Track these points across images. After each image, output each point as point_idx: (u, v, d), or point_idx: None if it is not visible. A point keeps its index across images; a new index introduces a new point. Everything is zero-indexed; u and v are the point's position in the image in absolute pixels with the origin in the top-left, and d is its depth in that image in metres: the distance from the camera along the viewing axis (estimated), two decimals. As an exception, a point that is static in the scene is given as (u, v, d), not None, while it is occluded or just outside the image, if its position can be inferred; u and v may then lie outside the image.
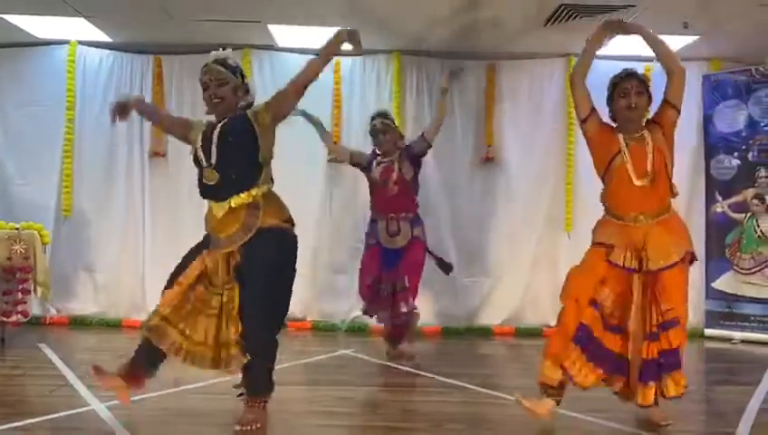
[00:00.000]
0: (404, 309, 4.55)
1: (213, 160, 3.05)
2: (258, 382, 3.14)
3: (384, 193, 4.62)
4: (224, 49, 3.21)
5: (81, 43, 5.90)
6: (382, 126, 4.64)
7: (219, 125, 3.11)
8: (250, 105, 3.22)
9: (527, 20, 5.11)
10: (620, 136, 3.17)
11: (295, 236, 3.21)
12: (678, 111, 3.20)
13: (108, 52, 5.97)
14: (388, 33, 5.57)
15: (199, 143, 3.12)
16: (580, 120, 3.29)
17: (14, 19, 5.32)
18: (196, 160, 3.13)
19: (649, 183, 3.09)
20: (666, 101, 3.20)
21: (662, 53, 3.20)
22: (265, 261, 3.02)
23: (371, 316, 4.92)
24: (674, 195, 3.24)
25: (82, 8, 5.09)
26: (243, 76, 3.21)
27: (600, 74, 6.19)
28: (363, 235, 4.89)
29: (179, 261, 3.19)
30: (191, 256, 3.15)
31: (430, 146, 4.76)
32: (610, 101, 3.27)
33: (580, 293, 3.16)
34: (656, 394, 3.07)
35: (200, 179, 3.12)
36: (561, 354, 3.11)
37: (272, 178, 3.25)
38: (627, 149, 3.12)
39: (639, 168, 3.10)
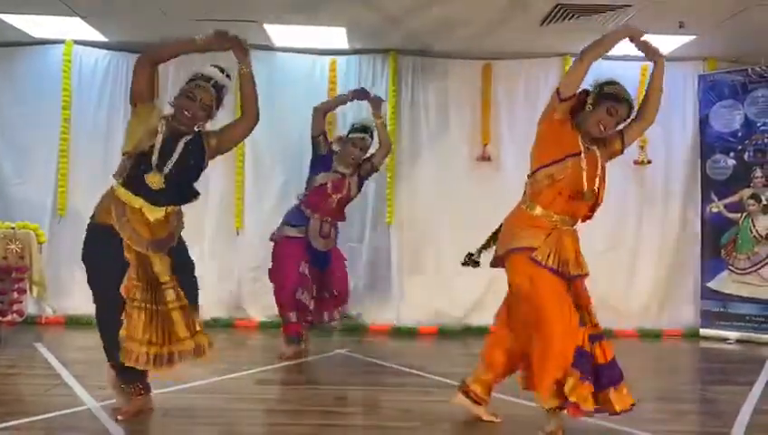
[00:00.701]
0: (336, 317, 4.82)
1: (165, 170, 3.05)
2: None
3: (325, 199, 4.64)
4: (228, 76, 3.23)
5: (76, 42, 5.90)
6: (365, 144, 4.69)
7: (183, 142, 3.13)
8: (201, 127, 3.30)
9: (523, 20, 5.12)
10: (580, 139, 3.03)
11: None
12: (622, 152, 3.16)
13: (104, 51, 5.96)
14: (383, 32, 5.57)
15: (159, 145, 3.07)
16: (560, 97, 3.01)
17: (9, 18, 5.31)
18: (145, 158, 3.06)
19: (588, 198, 3.01)
20: (621, 136, 3.11)
21: (655, 96, 3.10)
22: (188, 258, 3.29)
23: (295, 321, 4.62)
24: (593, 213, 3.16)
25: (78, 8, 5.08)
26: (219, 107, 3.26)
27: (598, 74, 6.21)
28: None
29: (103, 277, 3.17)
30: (115, 268, 3.10)
31: (376, 170, 4.89)
32: (590, 100, 3.02)
33: (566, 318, 2.93)
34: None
35: (137, 175, 3.06)
36: (560, 381, 2.91)
37: (198, 194, 3.36)
38: (584, 156, 2.99)
39: (590, 178, 2.99)
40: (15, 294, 4.80)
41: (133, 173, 3.08)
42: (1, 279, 4.74)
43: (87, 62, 5.96)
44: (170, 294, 3.10)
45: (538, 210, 3.06)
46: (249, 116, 3.28)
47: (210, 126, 3.29)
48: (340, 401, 3.69)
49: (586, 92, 3.06)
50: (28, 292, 4.92)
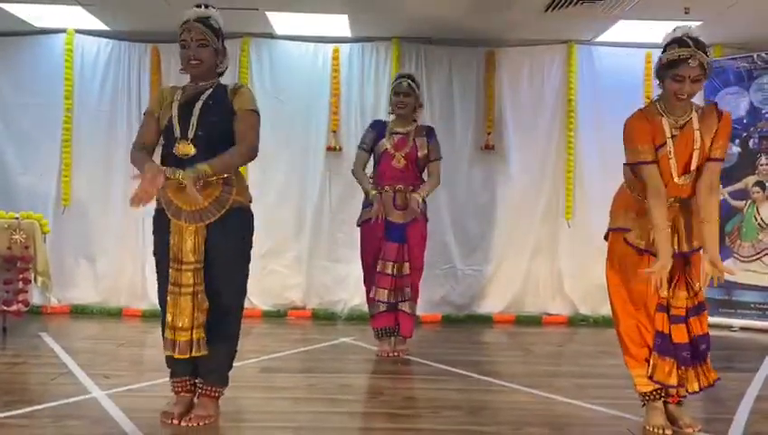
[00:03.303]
0: (409, 294, 4.36)
1: (191, 134, 2.86)
2: (224, 369, 3.04)
3: (389, 161, 4.38)
4: (206, 7, 2.99)
5: (78, 31, 5.88)
6: (408, 88, 4.41)
7: (203, 96, 2.92)
8: (224, 71, 3.08)
9: (527, 6, 5.08)
10: (666, 123, 2.88)
11: (253, 215, 3.12)
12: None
13: (105, 40, 5.94)
14: (386, 19, 5.54)
15: (175, 111, 2.91)
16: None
17: (10, 8, 5.29)
18: (169, 131, 2.91)
19: (689, 181, 2.91)
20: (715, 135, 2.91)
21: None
22: (238, 242, 2.98)
23: (375, 301, 4.40)
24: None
25: (80, -4, 5.07)
26: (223, 39, 3.01)
27: (604, 61, 6.18)
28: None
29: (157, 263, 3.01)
30: (164, 250, 2.92)
31: (439, 158, 4.52)
32: (660, 72, 2.88)
33: (646, 301, 2.97)
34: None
35: (168, 152, 2.91)
36: (644, 365, 2.97)
37: None
38: (672, 141, 2.86)
39: (681, 162, 2.87)
40: (20, 284, 4.81)
41: (165, 151, 2.94)
42: (6, 269, 4.75)
43: (89, 52, 5.94)
44: (186, 278, 2.84)
45: (633, 191, 3.01)
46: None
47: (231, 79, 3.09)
48: (344, 389, 3.69)
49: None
50: (33, 282, 4.94)
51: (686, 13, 4.97)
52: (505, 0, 5.01)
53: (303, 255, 5.95)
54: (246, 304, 5.71)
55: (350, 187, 5.82)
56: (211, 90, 2.95)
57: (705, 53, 2.80)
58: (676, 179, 2.88)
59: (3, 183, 5.82)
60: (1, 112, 5.91)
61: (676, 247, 2.94)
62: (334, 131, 5.91)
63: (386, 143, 4.40)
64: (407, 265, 4.35)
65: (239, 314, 3.08)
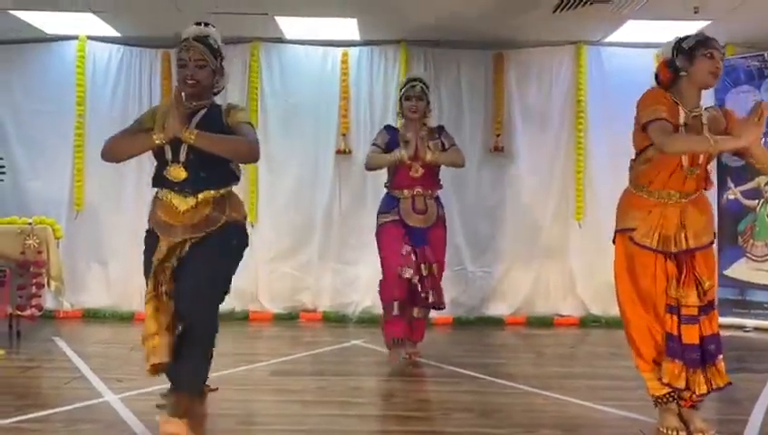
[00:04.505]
0: (431, 299, 4.19)
1: (182, 157, 2.82)
2: (201, 371, 2.92)
3: (407, 170, 4.24)
4: (206, 25, 2.93)
5: (90, 38, 5.93)
6: (421, 92, 4.29)
7: (195, 118, 2.85)
8: (220, 91, 3.03)
9: (535, 8, 5.07)
10: (681, 110, 2.89)
11: (247, 234, 3.06)
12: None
13: (117, 47, 5.99)
14: (395, 23, 5.55)
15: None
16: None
17: (24, 15, 5.34)
18: (160, 154, 2.87)
19: (694, 174, 2.92)
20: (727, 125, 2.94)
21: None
22: (223, 247, 2.88)
23: (402, 310, 4.16)
24: (708, 185, 3.04)
25: (91, 3, 5.10)
26: (222, 58, 2.96)
27: (613, 61, 6.16)
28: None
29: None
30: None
31: (455, 145, 4.41)
32: (684, 59, 2.91)
33: (655, 301, 2.95)
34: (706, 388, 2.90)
35: (160, 174, 2.90)
36: (654, 368, 2.96)
37: (238, 177, 3.04)
38: (684, 129, 2.87)
39: (693, 156, 2.88)
40: (34, 289, 4.84)
41: (157, 172, 2.93)
42: (19, 274, 4.79)
43: (100, 58, 5.99)
44: (152, 281, 2.81)
45: (639, 189, 3.00)
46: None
47: (225, 99, 3.01)
48: (355, 392, 3.70)
49: (669, 64, 2.96)
50: (46, 286, 4.97)
51: (695, 12, 4.94)
52: (513, 2, 5.01)
53: (314, 257, 5.96)
54: (257, 308, 5.91)
55: (360, 188, 5.86)
56: (205, 111, 2.90)
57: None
58: (684, 166, 2.88)
59: (16, 188, 5.87)
60: (14, 118, 5.96)
61: (684, 244, 2.92)
62: (344, 135, 5.92)
63: (402, 153, 4.21)
64: (430, 266, 4.20)
65: (212, 316, 2.91)
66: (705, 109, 2.98)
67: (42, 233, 4.88)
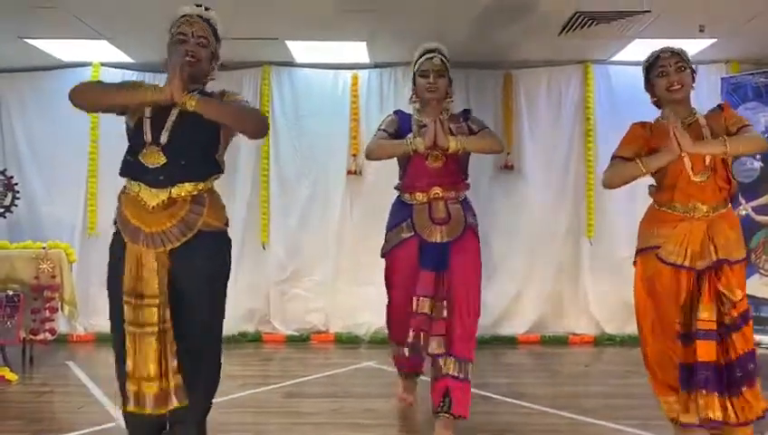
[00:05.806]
0: (437, 350, 3.15)
1: (163, 140, 2.50)
2: (197, 418, 2.59)
3: (422, 161, 3.25)
4: (206, 9, 2.70)
5: (103, 64, 6.03)
6: (442, 65, 3.32)
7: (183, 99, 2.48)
8: (209, 81, 2.76)
9: (543, 29, 5.11)
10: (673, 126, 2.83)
11: (230, 241, 2.71)
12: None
13: (130, 72, 6.07)
14: (404, 45, 5.60)
15: (149, 114, 2.57)
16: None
17: (39, 44, 5.44)
18: (137, 134, 2.57)
19: (707, 178, 2.85)
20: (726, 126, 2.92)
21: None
22: (210, 272, 2.53)
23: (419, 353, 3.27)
24: (732, 189, 2.93)
25: (104, 30, 5.19)
26: (220, 44, 2.75)
27: (621, 79, 6.17)
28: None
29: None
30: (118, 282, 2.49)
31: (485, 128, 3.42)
32: (648, 84, 3.03)
33: (671, 325, 2.87)
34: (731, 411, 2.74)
35: (133, 157, 2.57)
36: (670, 392, 2.90)
37: (221, 169, 2.68)
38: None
39: (695, 158, 2.82)
40: (47, 313, 4.86)
41: (129, 157, 2.57)
42: (33, 298, 4.82)
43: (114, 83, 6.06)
44: (149, 315, 2.42)
45: (663, 205, 2.95)
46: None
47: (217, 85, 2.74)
48: (369, 413, 3.69)
49: (646, 89, 3.08)
50: (59, 310, 5.00)
51: (701, 31, 4.96)
52: (521, 26, 5.04)
53: (326, 278, 5.97)
54: (269, 329, 5.91)
55: (371, 209, 5.85)
56: (197, 94, 2.57)
57: (678, 54, 2.95)
58: (693, 177, 2.85)
59: (31, 213, 5.93)
60: (29, 144, 6.04)
61: (713, 256, 2.82)
62: (354, 155, 5.96)
63: (416, 141, 3.19)
64: (448, 304, 3.13)
65: (214, 363, 2.61)
66: (704, 114, 2.99)
67: (55, 257, 4.91)
